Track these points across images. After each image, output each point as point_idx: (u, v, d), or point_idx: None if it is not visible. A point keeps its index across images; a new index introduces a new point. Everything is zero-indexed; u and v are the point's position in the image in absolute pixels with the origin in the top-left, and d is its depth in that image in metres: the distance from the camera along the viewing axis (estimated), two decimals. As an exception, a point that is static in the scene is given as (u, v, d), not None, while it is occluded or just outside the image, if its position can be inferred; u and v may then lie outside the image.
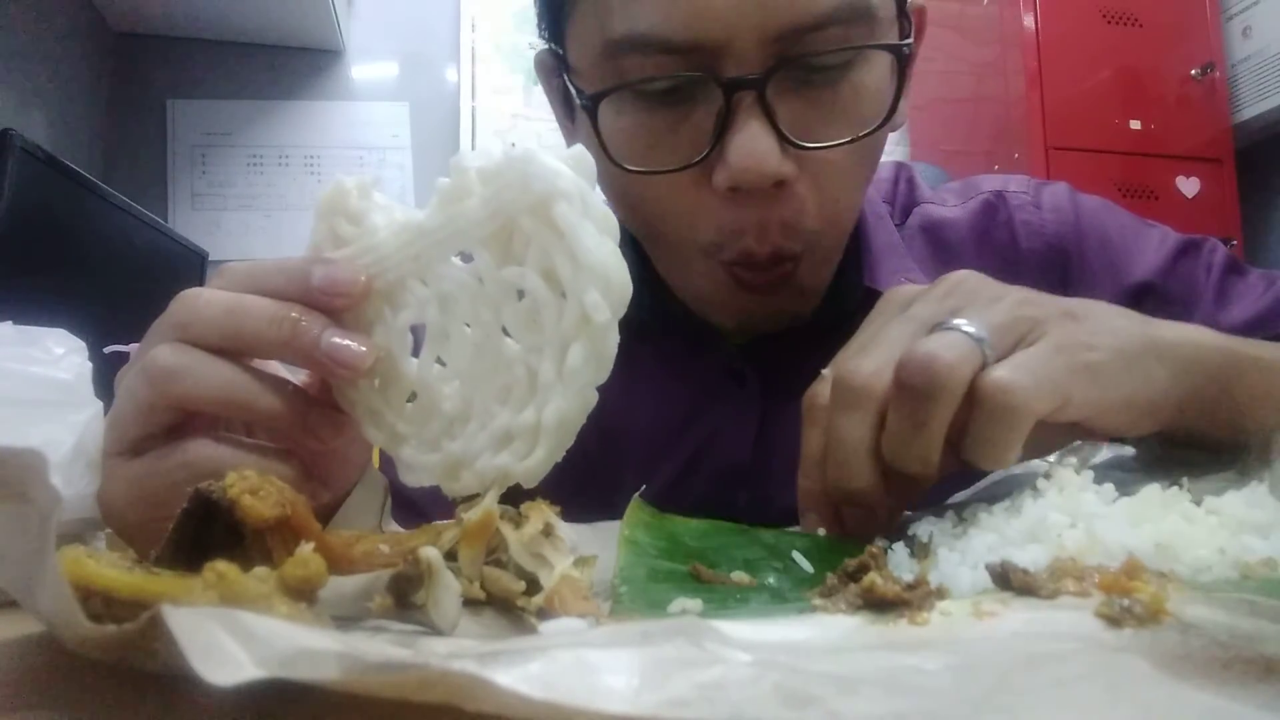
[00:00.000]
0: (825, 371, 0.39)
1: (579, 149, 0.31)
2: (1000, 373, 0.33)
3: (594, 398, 0.30)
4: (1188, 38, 2.19)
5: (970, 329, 0.34)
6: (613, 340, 0.29)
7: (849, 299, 0.59)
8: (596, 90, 0.48)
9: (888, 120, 0.49)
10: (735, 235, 0.49)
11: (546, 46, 0.57)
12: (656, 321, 0.59)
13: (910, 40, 0.50)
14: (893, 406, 0.34)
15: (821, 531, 0.38)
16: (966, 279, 0.39)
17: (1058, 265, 0.62)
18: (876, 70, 0.49)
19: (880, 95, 0.49)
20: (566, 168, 0.29)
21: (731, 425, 0.61)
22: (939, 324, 0.35)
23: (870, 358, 0.36)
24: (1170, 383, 0.36)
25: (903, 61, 0.49)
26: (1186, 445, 0.40)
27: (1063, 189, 0.66)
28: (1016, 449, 0.33)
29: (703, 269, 0.52)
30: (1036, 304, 0.36)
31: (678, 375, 0.62)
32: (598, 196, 0.30)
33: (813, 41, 0.45)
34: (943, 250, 0.64)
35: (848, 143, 0.47)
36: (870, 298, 0.59)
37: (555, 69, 0.57)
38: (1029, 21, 2.10)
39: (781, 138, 0.45)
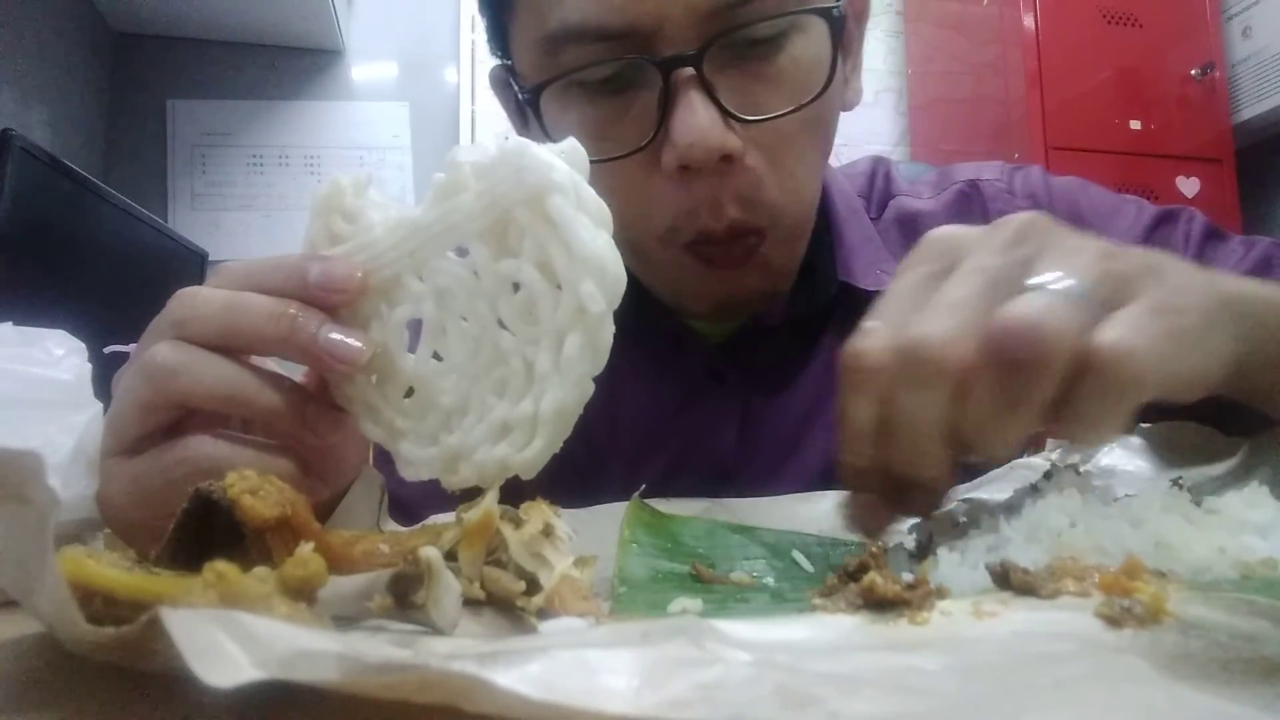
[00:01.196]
0: (873, 324, 0.33)
1: (571, 142, 0.31)
2: (1111, 337, 0.28)
3: (590, 388, 0.30)
4: (1188, 38, 2.19)
5: (1066, 287, 0.29)
6: (608, 330, 0.29)
7: (824, 293, 0.60)
8: (536, 83, 0.49)
9: (826, 88, 0.49)
10: (690, 216, 0.49)
11: (499, 63, 0.58)
12: (636, 323, 0.60)
13: (839, 3, 0.49)
14: (982, 383, 0.29)
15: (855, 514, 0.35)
16: (1032, 222, 0.33)
17: None
18: (814, 41, 0.49)
19: (819, 65, 0.49)
20: (560, 160, 0.30)
21: (714, 424, 0.61)
22: (1021, 280, 0.30)
23: (940, 321, 0.30)
24: (1236, 342, 0.33)
25: (835, 27, 0.49)
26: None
27: (1036, 172, 0.66)
28: (1126, 422, 0.29)
29: (664, 257, 0.52)
30: (1119, 256, 0.32)
31: (659, 376, 0.62)
32: (590, 189, 0.30)
33: (744, 14, 0.46)
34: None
35: (788, 113, 0.47)
36: (846, 292, 0.60)
37: (505, 80, 0.57)
38: (1029, 21, 2.10)
39: (724, 112, 0.46)
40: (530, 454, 0.30)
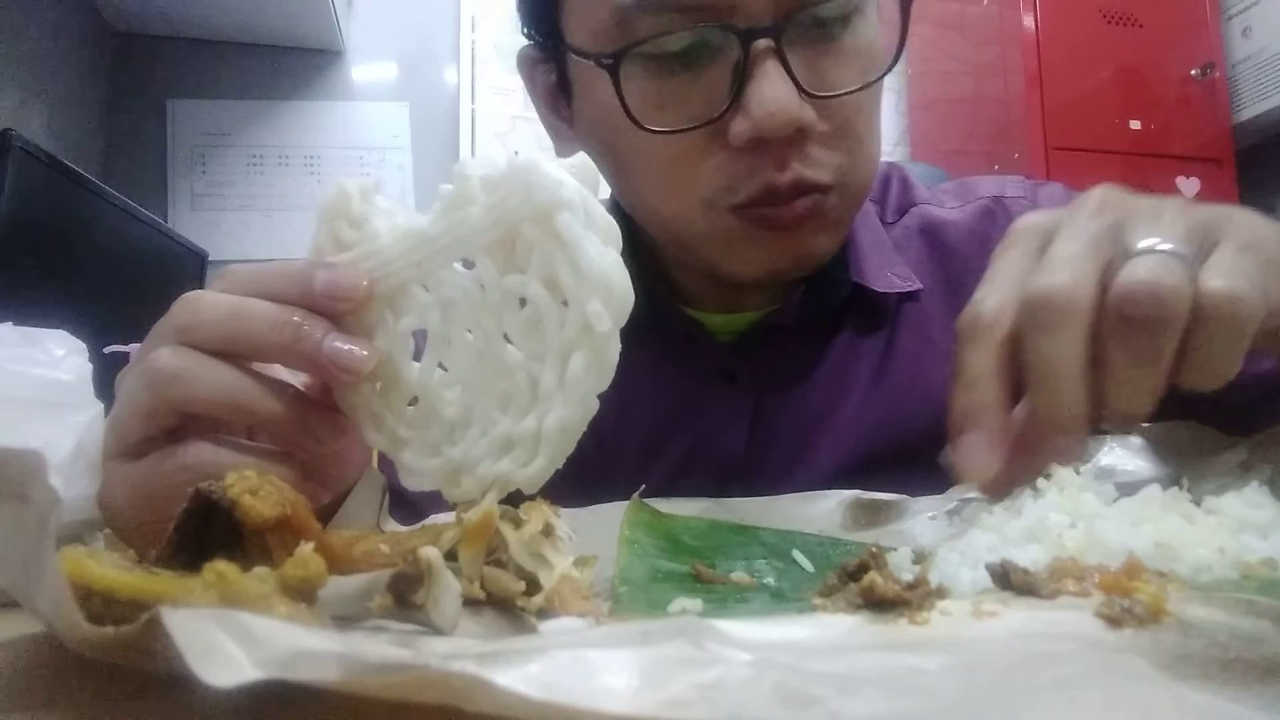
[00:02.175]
0: (985, 290, 0.34)
1: (581, 157, 0.31)
2: (1217, 283, 0.30)
3: (595, 406, 0.30)
4: (1188, 38, 2.19)
5: (1168, 247, 0.31)
6: (614, 349, 0.29)
7: (837, 293, 0.60)
8: (615, 50, 0.48)
9: (895, 62, 0.51)
10: (752, 173, 0.49)
11: (529, 43, 0.58)
12: (647, 320, 0.60)
13: None
14: (1115, 345, 0.31)
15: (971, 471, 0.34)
16: (1108, 193, 0.35)
17: None
18: (872, 18, 0.51)
19: (878, 42, 0.51)
20: (570, 177, 0.29)
21: (724, 423, 0.61)
22: (1119, 243, 0.32)
23: (1059, 272, 0.32)
24: None
25: (905, 3, 0.50)
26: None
27: (1058, 189, 0.66)
28: (1240, 361, 0.31)
29: (709, 225, 0.52)
30: (1193, 209, 0.34)
31: (670, 374, 0.62)
32: (600, 206, 0.30)
33: None
34: (943, 251, 0.64)
35: (859, 90, 0.49)
36: (857, 293, 0.60)
37: (543, 59, 0.57)
38: (1029, 21, 2.10)
39: (798, 88, 0.46)
40: (532, 471, 0.30)
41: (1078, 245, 0.32)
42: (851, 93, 0.49)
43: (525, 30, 0.58)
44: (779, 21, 0.46)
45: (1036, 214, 0.36)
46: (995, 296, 0.34)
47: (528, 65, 0.60)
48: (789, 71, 0.46)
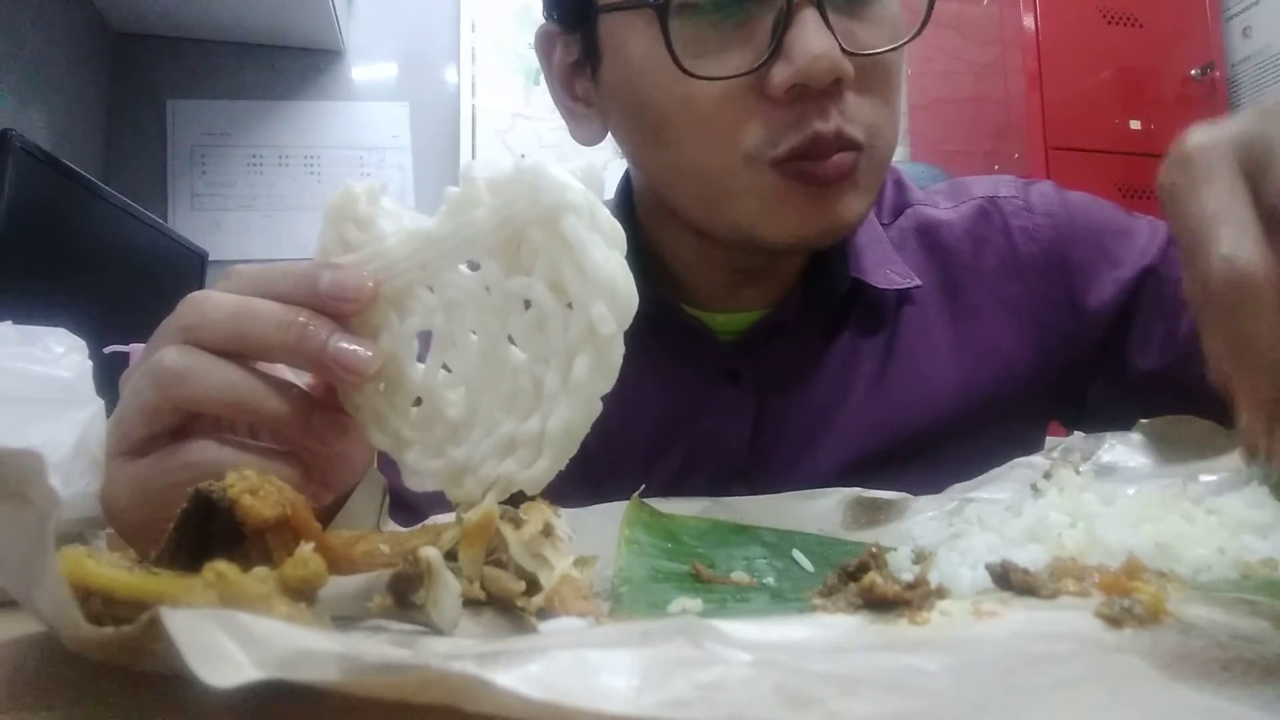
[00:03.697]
0: (1225, 252, 0.28)
1: (587, 162, 0.31)
2: None
3: (598, 408, 0.30)
4: (1188, 38, 2.19)
5: None
6: (618, 352, 0.29)
7: (837, 289, 0.60)
8: None
9: (924, 25, 0.52)
10: (796, 124, 0.49)
11: (548, 20, 0.58)
12: (649, 319, 0.60)
13: None
14: None
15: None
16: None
17: (1057, 267, 0.63)
18: None
19: (902, 18, 0.53)
20: (575, 181, 0.29)
21: (727, 423, 0.61)
22: None
23: None
24: None
25: None
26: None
27: (1049, 188, 0.67)
28: None
29: (748, 181, 0.52)
30: None
31: (672, 373, 0.62)
32: (605, 209, 0.30)
33: None
34: (939, 251, 0.65)
35: (892, 49, 0.51)
36: (858, 289, 0.60)
37: (562, 33, 0.58)
38: (1029, 21, 2.10)
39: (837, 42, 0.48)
40: (535, 472, 0.30)
41: None
42: (884, 52, 0.50)
43: (546, 9, 0.59)
44: None
45: (1209, 135, 0.31)
46: (1247, 245, 0.28)
47: (546, 42, 0.60)
48: (828, 25, 0.47)
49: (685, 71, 0.48)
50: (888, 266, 0.62)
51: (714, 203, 0.54)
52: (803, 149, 0.50)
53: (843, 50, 0.47)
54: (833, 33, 0.47)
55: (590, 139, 0.61)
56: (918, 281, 0.62)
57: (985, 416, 0.61)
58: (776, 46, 0.48)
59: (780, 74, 0.48)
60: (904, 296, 0.63)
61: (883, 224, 0.66)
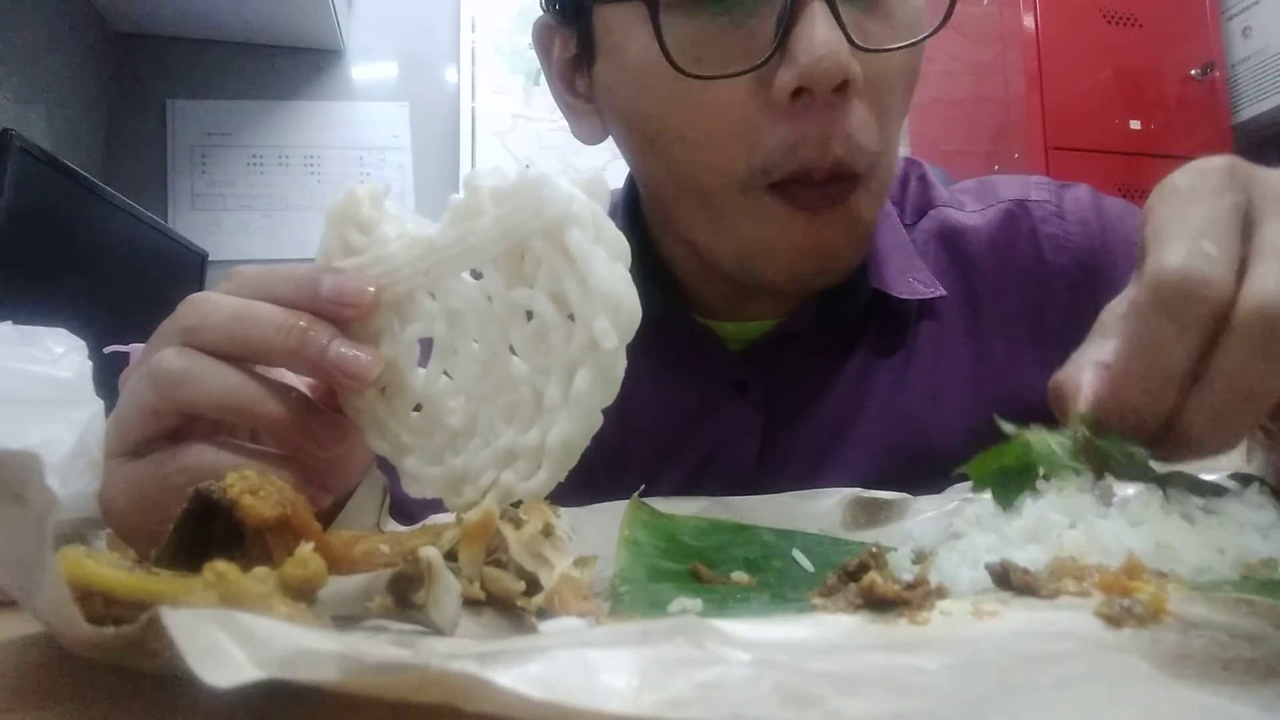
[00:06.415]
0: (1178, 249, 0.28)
1: (593, 173, 0.31)
2: None
3: (599, 421, 0.30)
4: (1188, 38, 2.19)
5: None
6: (620, 366, 0.29)
7: (856, 300, 0.58)
8: None
9: (945, 20, 0.48)
10: (790, 152, 0.47)
11: (546, 13, 0.56)
12: (656, 326, 0.59)
13: None
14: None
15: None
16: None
17: (1086, 280, 0.60)
18: None
19: (922, 6, 0.49)
20: (580, 193, 0.29)
21: (733, 437, 0.59)
22: None
23: None
24: None
25: None
26: None
27: (1085, 194, 0.63)
28: None
29: (747, 208, 0.49)
30: None
31: (680, 383, 0.60)
32: (609, 221, 0.30)
33: None
34: (962, 260, 0.62)
35: (904, 47, 0.47)
36: (877, 300, 0.58)
37: (560, 26, 0.55)
38: (1029, 21, 2.10)
39: (846, 38, 0.44)
40: (534, 484, 0.30)
41: None
42: (897, 49, 0.46)
43: (543, 0, 0.57)
44: None
45: (1204, 166, 0.31)
46: (1220, 263, 0.27)
47: (544, 35, 0.57)
48: (837, 19, 0.44)
49: (679, 69, 0.45)
50: (911, 274, 0.59)
51: (713, 224, 0.52)
52: (797, 178, 0.47)
53: (853, 45, 0.44)
54: (843, 28, 0.44)
55: (591, 137, 0.59)
56: (942, 291, 0.59)
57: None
58: (780, 44, 0.44)
59: (783, 76, 0.45)
60: (924, 308, 0.60)
61: (905, 224, 0.63)
